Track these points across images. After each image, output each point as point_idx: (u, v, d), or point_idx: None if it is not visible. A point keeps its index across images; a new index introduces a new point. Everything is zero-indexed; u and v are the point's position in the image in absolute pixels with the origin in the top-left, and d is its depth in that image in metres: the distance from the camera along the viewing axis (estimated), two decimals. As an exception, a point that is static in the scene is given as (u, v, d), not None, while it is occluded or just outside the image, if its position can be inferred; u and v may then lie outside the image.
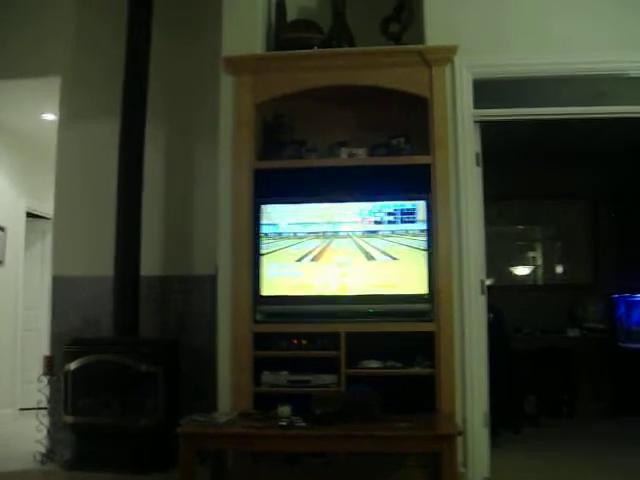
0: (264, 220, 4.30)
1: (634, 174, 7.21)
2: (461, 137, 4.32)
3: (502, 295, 6.34)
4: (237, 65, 4.37)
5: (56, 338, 5.15)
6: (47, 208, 6.81)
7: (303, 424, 3.63)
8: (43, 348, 5.51)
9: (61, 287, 5.28)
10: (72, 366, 4.62)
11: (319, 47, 4.44)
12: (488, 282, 4.46)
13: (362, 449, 3.73)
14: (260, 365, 4.22)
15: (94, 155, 5.33)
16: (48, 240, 7.18)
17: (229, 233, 4.30)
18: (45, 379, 4.93)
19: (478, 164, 4.40)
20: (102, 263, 5.00)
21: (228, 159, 4.35)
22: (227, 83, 4.40)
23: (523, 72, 4.39)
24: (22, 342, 7.26)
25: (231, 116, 4.36)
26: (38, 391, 4.95)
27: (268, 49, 4.57)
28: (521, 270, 7.76)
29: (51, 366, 4.92)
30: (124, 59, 4.95)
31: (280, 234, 4.29)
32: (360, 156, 4.37)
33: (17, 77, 5.63)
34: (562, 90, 4.44)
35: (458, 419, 4.03)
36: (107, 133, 5.10)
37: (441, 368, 4.06)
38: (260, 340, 4.24)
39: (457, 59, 4.31)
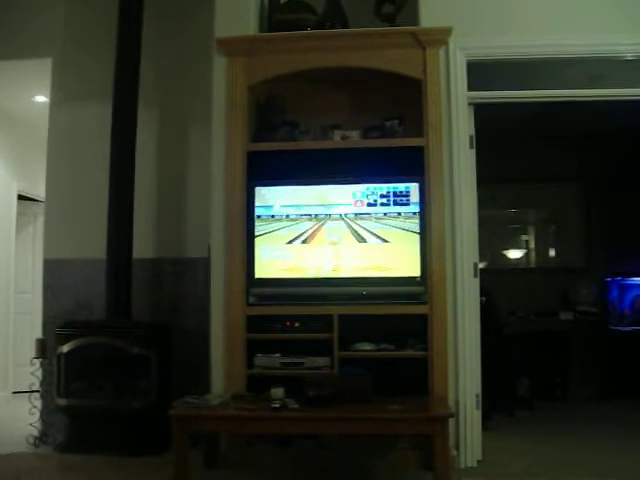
0: (257, 202, 4.28)
1: (627, 157, 7.20)
2: (455, 119, 4.30)
3: (495, 278, 6.35)
4: (230, 46, 4.34)
5: (48, 321, 5.13)
6: (39, 191, 6.78)
7: (296, 406, 3.63)
8: (35, 331, 5.50)
9: (53, 270, 5.26)
10: (65, 349, 4.61)
11: (312, 28, 4.42)
12: (481, 265, 4.47)
13: (355, 431, 3.75)
14: (253, 347, 4.22)
15: (86, 137, 5.29)
16: (40, 223, 7.15)
17: (222, 215, 4.29)
18: (38, 362, 4.91)
19: (472, 147, 4.38)
20: (94, 246, 4.97)
21: (221, 141, 4.33)
22: (220, 65, 4.37)
23: (518, 54, 4.36)
24: (14, 325, 7.24)
25: (224, 98, 4.34)
26: (31, 374, 4.93)
27: (261, 30, 4.55)
28: (514, 253, 7.76)
29: (44, 349, 4.91)
30: (116, 41, 4.90)
31: (273, 216, 4.29)
32: (354, 138, 4.35)
33: (8, 58, 5.57)
34: (558, 72, 4.41)
35: (451, 402, 4.04)
36: (99, 115, 5.06)
37: (434, 351, 4.07)
38: (253, 322, 4.24)
39: (451, 41, 4.28)
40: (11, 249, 7.25)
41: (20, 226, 7.49)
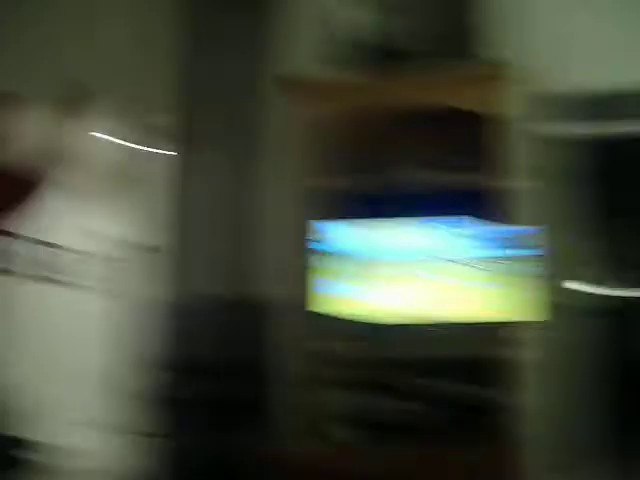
0: (328, 241, 4.22)
1: None
2: (528, 157, 4.19)
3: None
4: (291, 83, 4.33)
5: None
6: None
7: (372, 445, 3.73)
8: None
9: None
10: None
11: (380, 66, 4.39)
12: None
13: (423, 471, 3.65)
14: (336, 387, 4.19)
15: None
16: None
17: (282, 255, 4.27)
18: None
19: (549, 186, 4.28)
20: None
21: (284, 178, 4.33)
22: (281, 101, 4.38)
23: (596, 88, 4.26)
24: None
25: (286, 135, 4.35)
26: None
27: (325, 67, 4.54)
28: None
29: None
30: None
31: (346, 255, 4.20)
32: (419, 176, 4.24)
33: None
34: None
35: (541, 451, 3.86)
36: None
37: (525, 398, 3.87)
38: (334, 363, 4.19)
39: (528, 76, 4.18)
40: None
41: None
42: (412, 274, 4.13)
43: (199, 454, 4.46)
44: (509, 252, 4.02)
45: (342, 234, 4.23)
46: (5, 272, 3.06)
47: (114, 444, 4.16)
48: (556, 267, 4.13)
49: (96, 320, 6.10)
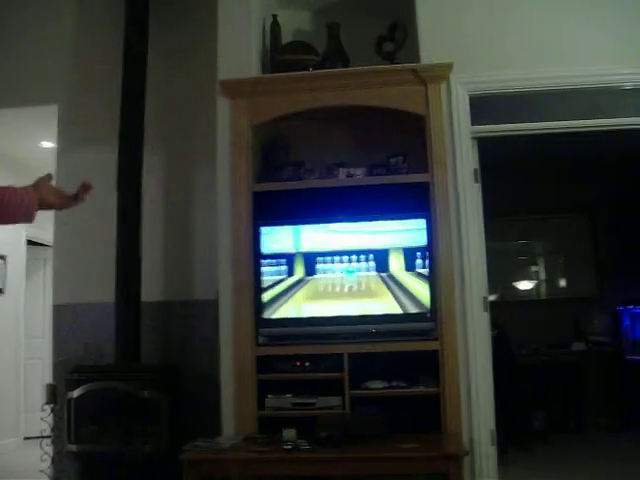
0: (264, 242, 4.29)
1: (631, 185, 7.20)
2: (459, 154, 4.31)
3: (506, 310, 6.33)
4: (233, 88, 4.38)
5: (59, 366, 5.11)
6: (48, 236, 6.81)
7: (308, 447, 3.60)
8: (46, 376, 5.48)
9: (62, 315, 5.25)
10: (74, 394, 4.56)
11: (314, 68, 4.46)
12: (491, 298, 4.44)
13: (368, 471, 3.69)
14: (264, 388, 4.18)
15: (94, 183, 5.28)
16: (50, 267, 7.17)
17: (229, 257, 4.29)
18: (48, 407, 4.88)
19: (477, 181, 4.38)
20: (103, 290, 4.96)
21: (226, 182, 4.35)
22: (223, 106, 4.41)
23: (519, 87, 4.39)
24: (25, 371, 7.24)
25: (228, 139, 4.37)
26: (42, 420, 4.90)
27: (263, 71, 4.60)
28: (524, 285, 7.73)
29: (54, 394, 4.87)
30: (121, 86, 4.96)
31: (280, 256, 4.28)
32: (358, 176, 4.36)
33: (13, 106, 5.63)
34: (557, 104, 4.43)
35: (465, 438, 3.98)
36: (106, 160, 5.07)
37: (446, 387, 4.03)
38: (263, 363, 4.21)
39: (452, 76, 4.32)
40: (21, 294, 7.27)
41: (30, 271, 7.52)
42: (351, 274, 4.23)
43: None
44: (425, 244, 4.19)
45: (281, 236, 4.30)
46: None
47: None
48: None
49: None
